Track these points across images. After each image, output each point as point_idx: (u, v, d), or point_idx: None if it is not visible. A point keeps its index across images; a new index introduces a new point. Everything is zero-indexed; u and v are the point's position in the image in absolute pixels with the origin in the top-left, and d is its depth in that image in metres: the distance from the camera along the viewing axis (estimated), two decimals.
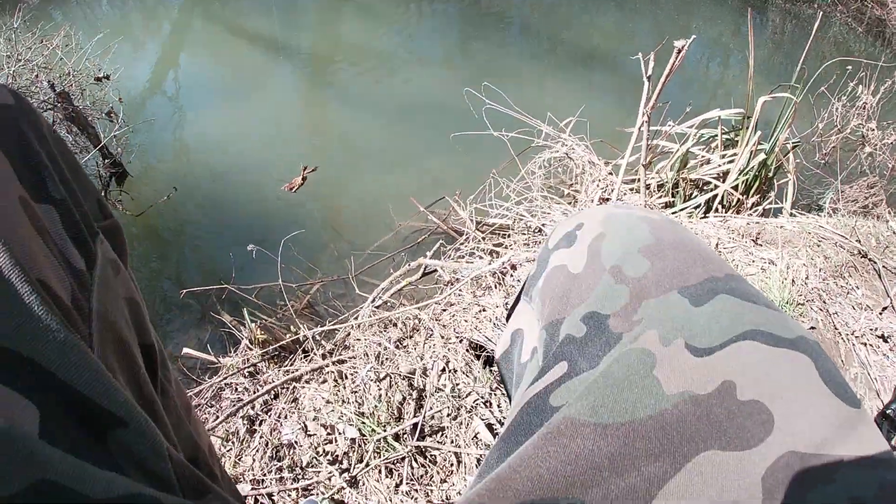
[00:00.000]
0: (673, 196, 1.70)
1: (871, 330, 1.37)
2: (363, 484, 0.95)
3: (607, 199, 1.35)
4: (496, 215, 1.47)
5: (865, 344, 1.32)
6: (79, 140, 1.80)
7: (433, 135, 2.22)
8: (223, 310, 1.45)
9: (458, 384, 1.07)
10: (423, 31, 3.34)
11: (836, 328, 1.30)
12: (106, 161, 1.86)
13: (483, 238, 1.39)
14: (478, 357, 1.09)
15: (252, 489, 0.96)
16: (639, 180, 1.53)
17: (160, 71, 2.82)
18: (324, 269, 1.55)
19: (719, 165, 1.64)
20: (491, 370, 1.09)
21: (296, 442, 1.00)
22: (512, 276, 1.24)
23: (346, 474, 0.95)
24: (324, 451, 0.99)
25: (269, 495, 0.95)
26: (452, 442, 1.00)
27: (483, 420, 1.03)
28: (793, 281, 1.35)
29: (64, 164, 0.33)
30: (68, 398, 0.25)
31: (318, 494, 0.93)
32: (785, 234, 1.41)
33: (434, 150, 2.13)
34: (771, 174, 1.70)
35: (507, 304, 1.23)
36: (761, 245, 1.36)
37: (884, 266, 1.50)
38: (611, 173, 1.45)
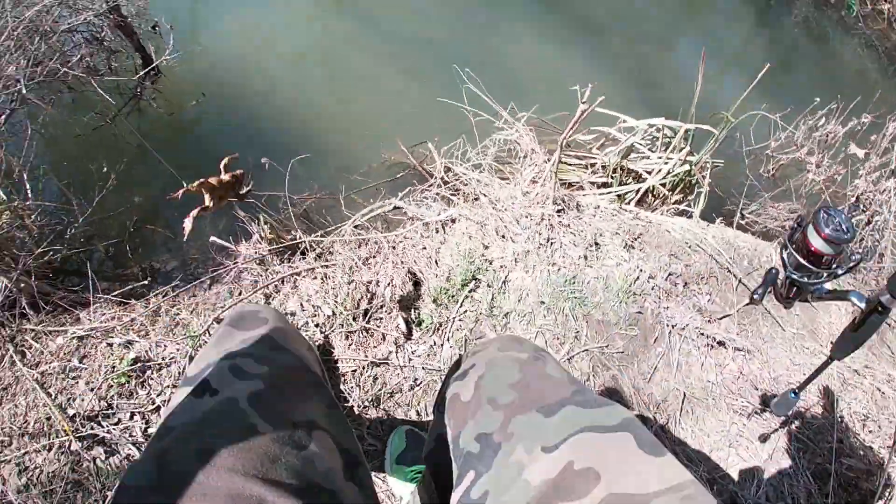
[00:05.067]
0: (611, 178, 1.99)
1: (697, 328, 1.57)
2: (334, 341, 1.37)
3: (536, 181, 1.65)
4: (457, 173, 1.83)
5: (683, 337, 1.54)
6: (125, 45, 2.07)
7: (430, 73, 2.39)
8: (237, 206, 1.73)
9: (394, 295, 1.45)
10: None
11: (657, 316, 1.58)
12: (143, 64, 2.11)
13: (445, 185, 1.77)
14: (412, 281, 1.48)
15: None
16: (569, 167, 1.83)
17: None
18: (320, 183, 1.87)
19: (654, 163, 1.92)
20: (416, 287, 1.48)
21: (293, 313, 1.40)
22: (449, 228, 1.59)
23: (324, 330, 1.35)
24: (312, 321, 1.41)
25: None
26: (382, 320, 1.43)
27: (404, 318, 1.43)
28: (637, 278, 1.63)
29: None
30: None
31: None
32: (664, 239, 1.73)
33: (427, 89, 2.28)
34: (693, 181, 2.01)
35: (433, 255, 1.60)
36: (633, 246, 1.68)
37: (742, 283, 1.69)
38: (546, 160, 1.74)
